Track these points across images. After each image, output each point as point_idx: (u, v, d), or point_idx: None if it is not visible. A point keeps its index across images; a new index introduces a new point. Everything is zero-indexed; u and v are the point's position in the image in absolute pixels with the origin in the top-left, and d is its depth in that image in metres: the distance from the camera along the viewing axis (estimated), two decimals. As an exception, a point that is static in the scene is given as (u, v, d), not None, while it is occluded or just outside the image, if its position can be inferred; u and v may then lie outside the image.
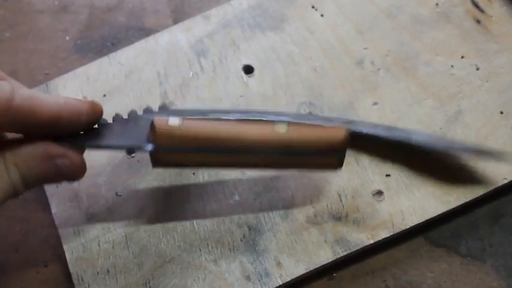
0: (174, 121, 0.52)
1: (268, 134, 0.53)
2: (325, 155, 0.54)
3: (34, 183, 0.50)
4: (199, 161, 0.54)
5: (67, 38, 0.73)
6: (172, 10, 0.73)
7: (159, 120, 0.52)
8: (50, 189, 0.62)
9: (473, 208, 0.61)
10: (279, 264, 0.57)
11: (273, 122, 0.54)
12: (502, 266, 0.58)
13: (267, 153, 0.53)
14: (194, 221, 0.60)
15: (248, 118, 0.59)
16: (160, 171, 0.62)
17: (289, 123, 0.54)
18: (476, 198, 0.59)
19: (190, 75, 0.66)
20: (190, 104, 0.64)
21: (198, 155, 0.53)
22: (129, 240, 0.59)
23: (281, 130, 0.53)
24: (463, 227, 0.60)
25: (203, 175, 0.61)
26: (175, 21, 0.72)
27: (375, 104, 0.63)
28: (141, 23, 0.73)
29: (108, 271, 0.58)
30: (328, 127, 0.55)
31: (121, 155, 0.62)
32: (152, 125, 0.52)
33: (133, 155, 0.62)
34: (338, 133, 0.54)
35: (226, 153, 0.53)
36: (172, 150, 0.53)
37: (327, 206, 0.59)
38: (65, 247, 0.59)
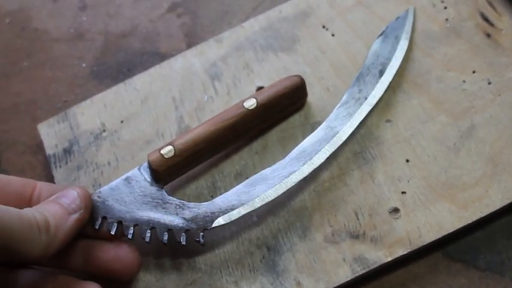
0: (166, 149, 0.60)
1: (240, 113, 0.61)
2: (291, 103, 0.64)
3: None
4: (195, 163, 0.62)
5: (83, 65, 0.74)
6: (185, 34, 0.75)
7: (153, 155, 0.60)
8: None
9: (490, 222, 0.60)
10: (298, 284, 0.58)
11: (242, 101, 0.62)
12: (521, 279, 0.59)
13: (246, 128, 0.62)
14: (214, 243, 0.60)
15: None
16: (179, 194, 0.63)
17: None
18: (492, 212, 0.59)
19: (205, 99, 0.67)
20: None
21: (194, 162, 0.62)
22: (151, 265, 0.60)
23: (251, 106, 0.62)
24: (481, 241, 0.60)
25: (221, 198, 0.62)
26: (189, 45, 0.73)
27: (388, 121, 0.64)
28: (155, 48, 0.74)
29: (131, 295, 0.59)
30: (285, 80, 0.63)
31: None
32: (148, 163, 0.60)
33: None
34: (295, 81, 0.63)
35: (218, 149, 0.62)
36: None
37: (344, 225, 0.60)
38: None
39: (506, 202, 0.59)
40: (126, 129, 0.66)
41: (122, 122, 0.67)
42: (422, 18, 0.68)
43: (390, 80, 0.65)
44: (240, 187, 0.60)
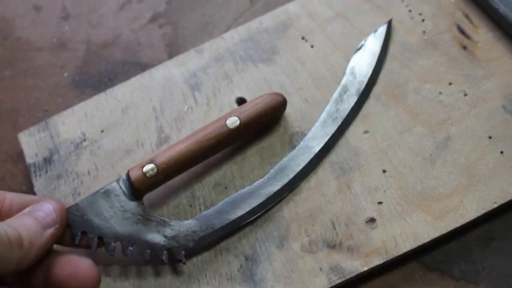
0: (148, 167, 0.60)
1: (223, 133, 0.61)
2: (272, 119, 0.65)
3: None
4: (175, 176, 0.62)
5: (65, 74, 0.75)
6: (166, 44, 0.75)
7: (134, 172, 0.60)
8: None
9: (465, 232, 0.61)
10: (275, 293, 0.59)
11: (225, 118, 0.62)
12: (495, 288, 0.60)
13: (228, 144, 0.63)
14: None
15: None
16: (159, 204, 0.63)
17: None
18: (467, 222, 0.60)
19: (185, 109, 0.68)
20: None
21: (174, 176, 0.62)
22: (129, 272, 0.60)
23: (234, 123, 0.62)
24: (456, 251, 0.61)
25: (200, 207, 0.62)
26: (170, 55, 0.74)
27: (366, 132, 0.64)
28: (136, 58, 0.75)
29: (109, 304, 0.60)
30: (267, 98, 0.63)
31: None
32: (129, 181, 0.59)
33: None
34: (278, 100, 0.64)
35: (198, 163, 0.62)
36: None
37: (321, 234, 0.60)
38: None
39: (480, 212, 0.60)
40: (106, 139, 0.67)
41: (102, 131, 0.67)
42: (400, 30, 0.69)
43: (367, 99, 0.66)
44: (220, 205, 0.61)
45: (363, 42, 0.68)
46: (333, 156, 0.64)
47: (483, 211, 0.60)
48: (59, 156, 0.67)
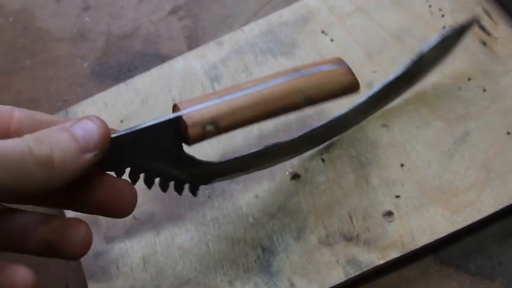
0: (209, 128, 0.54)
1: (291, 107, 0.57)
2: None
3: None
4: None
5: (85, 64, 0.75)
6: (186, 36, 0.75)
7: (194, 129, 0.53)
8: (69, 213, 0.63)
9: (482, 227, 0.61)
10: (292, 284, 0.59)
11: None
12: (511, 284, 0.59)
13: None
14: (210, 243, 0.61)
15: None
16: (176, 195, 0.63)
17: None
18: (484, 217, 0.60)
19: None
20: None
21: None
22: (147, 262, 0.61)
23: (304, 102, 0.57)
24: (473, 246, 0.61)
25: (218, 199, 0.63)
26: (190, 47, 0.74)
27: (384, 126, 0.65)
28: (156, 50, 0.75)
29: (126, 293, 0.60)
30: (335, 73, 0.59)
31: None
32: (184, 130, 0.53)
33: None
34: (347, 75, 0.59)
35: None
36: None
37: (338, 227, 0.61)
38: (84, 270, 0.61)
39: (497, 208, 0.60)
40: (126, 127, 0.67)
41: (121, 121, 0.68)
42: (420, 25, 0.69)
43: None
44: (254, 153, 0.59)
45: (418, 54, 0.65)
46: (351, 150, 0.64)
47: (500, 206, 0.60)
48: (78, 146, 0.67)
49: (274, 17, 0.72)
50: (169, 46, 0.75)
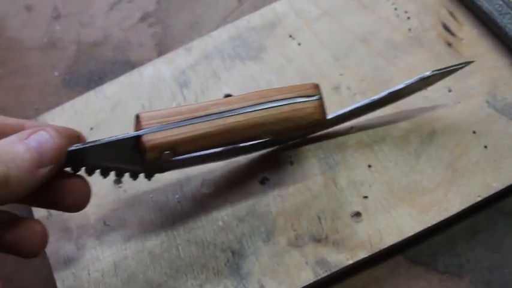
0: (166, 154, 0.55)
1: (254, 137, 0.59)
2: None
3: None
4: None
5: (56, 73, 0.75)
6: (156, 43, 0.76)
7: (151, 153, 0.54)
8: (40, 220, 0.63)
9: (450, 225, 0.62)
10: (262, 286, 0.59)
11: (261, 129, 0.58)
12: (480, 281, 0.60)
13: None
14: (180, 247, 0.61)
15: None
16: (146, 201, 0.64)
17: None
18: (451, 216, 0.61)
19: (174, 106, 0.68)
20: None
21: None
22: (118, 268, 0.61)
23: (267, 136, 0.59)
24: (441, 244, 0.62)
25: (188, 203, 0.63)
26: (160, 54, 0.74)
27: (352, 128, 0.65)
28: (126, 57, 0.75)
29: (97, 299, 0.60)
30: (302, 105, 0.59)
31: (108, 185, 0.64)
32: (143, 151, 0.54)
33: (120, 185, 0.64)
34: (315, 112, 0.59)
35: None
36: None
37: (307, 229, 0.61)
38: (56, 277, 0.61)
39: (464, 206, 0.61)
40: (95, 136, 0.66)
41: (91, 128, 0.68)
42: (386, 28, 0.70)
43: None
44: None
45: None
46: (319, 152, 0.64)
47: (467, 205, 0.61)
48: (48, 154, 0.68)
49: (242, 22, 0.73)
50: (139, 53, 0.75)
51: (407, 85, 0.62)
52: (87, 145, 0.53)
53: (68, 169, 0.54)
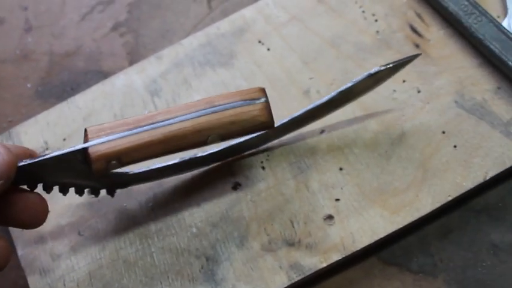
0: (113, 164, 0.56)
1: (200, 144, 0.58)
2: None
3: None
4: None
5: (29, 85, 0.75)
6: (128, 52, 0.76)
7: (98, 164, 0.55)
8: (15, 231, 0.64)
9: (422, 225, 0.63)
10: (237, 291, 0.60)
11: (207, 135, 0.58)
12: (453, 280, 0.60)
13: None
14: (154, 255, 0.62)
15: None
16: (120, 209, 0.64)
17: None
18: (423, 216, 0.61)
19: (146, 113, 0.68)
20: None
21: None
22: (93, 277, 0.61)
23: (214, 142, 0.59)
24: (414, 244, 0.62)
25: (160, 211, 0.63)
26: (131, 63, 0.74)
27: (323, 131, 0.66)
28: (98, 67, 0.76)
29: (73, 309, 0.61)
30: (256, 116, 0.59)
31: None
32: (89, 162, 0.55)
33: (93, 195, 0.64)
34: (260, 114, 0.59)
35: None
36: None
37: (281, 233, 0.61)
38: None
39: (436, 206, 0.61)
40: (68, 147, 0.67)
41: (64, 139, 0.68)
42: (354, 31, 0.71)
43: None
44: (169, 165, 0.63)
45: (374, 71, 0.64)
46: (290, 156, 0.65)
47: (438, 204, 0.61)
48: (22, 165, 0.68)
49: (212, 29, 0.73)
50: (111, 63, 0.76)
51: (355, 83, 0.62)
52: (37, 159, 0.54)
53: (24, 186, 0.55)
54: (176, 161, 0.63)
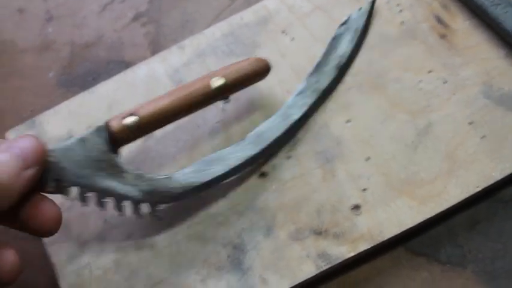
0: (129, 120, 0.58)
1: (207, 92, 0.61)
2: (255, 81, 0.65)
3: None
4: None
5: (50, 74, 0.75)
6: (149, 43, 0.76)
7: (114, 124, 0.58)
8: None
9: (450, 216, 0.63)
10: (264, 280, 0.59)
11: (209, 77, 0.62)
12: (482, 271, 0.60)
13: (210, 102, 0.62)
14: (181, 243, 0.61)
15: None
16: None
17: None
18: (451, 207, 0.61)
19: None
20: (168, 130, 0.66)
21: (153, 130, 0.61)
22: (119, 265, 0.61)
23: (218, 83, 0.61)
24: (442, 235, 0.62)
25: (188, 199, 0.63)
26: (153, 53, 0.74)
27: (348, 121, 0.65)
28: (120, 57, 0.75)
29: (100, 297, 0.60)
30: (254, 62, 0.64)
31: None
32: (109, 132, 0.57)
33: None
34: (263, 63, 0.64)
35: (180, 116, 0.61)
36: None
37: (307, 222, 0.61)
38: (58, 274, 0.61)
39: (464, 196, 0.61)
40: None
41: (88, 128, 0.68)
42: (379, 21, 0.70)
43: (345, 74, 0.68)
44: (197, 165, 0.61)
45: (346, 18, 0.69)
46: (316, 146, 0.65)
47: (466, 195, 0.61)
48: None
49: (235, 19, 0.73)
50: (132, 53, 0.75)
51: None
52: (65, 143, 0.56)
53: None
54: (220, 172, 0.62)
